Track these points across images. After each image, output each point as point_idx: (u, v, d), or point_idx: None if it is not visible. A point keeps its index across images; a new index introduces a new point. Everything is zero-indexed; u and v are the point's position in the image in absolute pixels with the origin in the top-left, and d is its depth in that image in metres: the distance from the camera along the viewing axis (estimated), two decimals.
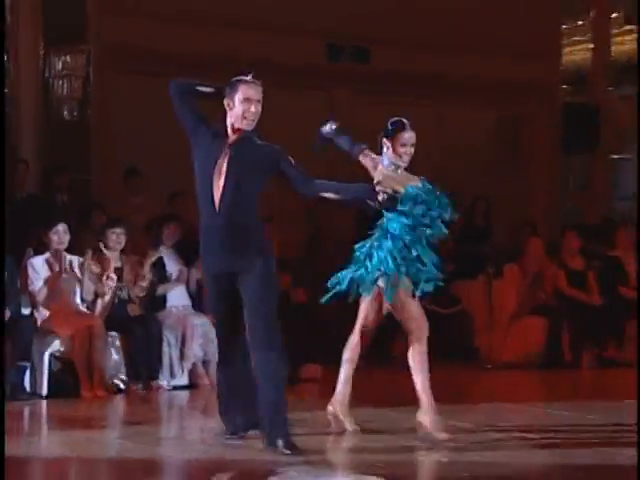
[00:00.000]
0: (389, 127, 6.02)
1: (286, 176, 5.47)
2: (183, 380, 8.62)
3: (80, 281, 8.07)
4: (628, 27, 13.27)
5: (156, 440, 6.05)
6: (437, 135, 10.95)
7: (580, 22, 13.34)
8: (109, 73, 10.38)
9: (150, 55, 10.22)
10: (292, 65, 11.12)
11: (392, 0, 11.62)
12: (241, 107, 5.36)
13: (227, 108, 5.41)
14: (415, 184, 5.85)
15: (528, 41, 12.08)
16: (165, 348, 8.56)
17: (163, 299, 8.77)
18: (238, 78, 5.42)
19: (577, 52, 13.33)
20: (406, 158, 5.92)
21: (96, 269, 8.13)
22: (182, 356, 8.66)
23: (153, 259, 8.63)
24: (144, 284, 8.38)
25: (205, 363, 8.70)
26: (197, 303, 9.00)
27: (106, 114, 10.36)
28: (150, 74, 9.90)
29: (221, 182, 5.40)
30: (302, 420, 6.50)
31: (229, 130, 5.47)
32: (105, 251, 8.32)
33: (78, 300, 8.14)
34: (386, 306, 5.95)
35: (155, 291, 8.65)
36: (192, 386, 8.63)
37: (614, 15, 13.35)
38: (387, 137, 6.00)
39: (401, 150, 5.89)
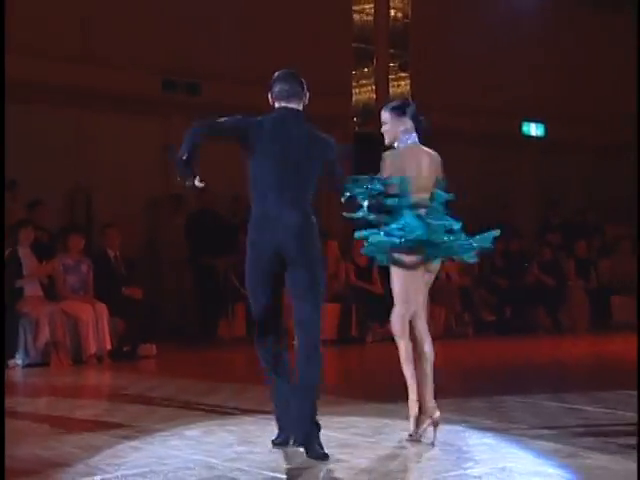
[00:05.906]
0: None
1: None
2: (37, 359, 9.17)
3: None
4: (402, 74, 14.71)
5: None
6: None
7: (366, 69, 14.51)
8: None
9: None
10: (131, 95, 11.71)
11: (219, 40, 12.41)
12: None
13: (303, 103, 5.05)
14: None
15: (327, 82, 12.43)
16: (21, 332, 9.12)
17: (20, 290, 9.33)
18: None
19: (364, 92, 14.40)
20: None
21: None
22: (35, 338, 9.18)
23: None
24: None
25: (55, 344, 9.27)
26: (48, 293, 9.57)
27: None
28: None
29: None
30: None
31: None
32: None
33: None
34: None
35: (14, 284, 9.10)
36: (45, 364, 9.15)
37: (391, 64, 14.70)
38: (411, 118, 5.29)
39: None
